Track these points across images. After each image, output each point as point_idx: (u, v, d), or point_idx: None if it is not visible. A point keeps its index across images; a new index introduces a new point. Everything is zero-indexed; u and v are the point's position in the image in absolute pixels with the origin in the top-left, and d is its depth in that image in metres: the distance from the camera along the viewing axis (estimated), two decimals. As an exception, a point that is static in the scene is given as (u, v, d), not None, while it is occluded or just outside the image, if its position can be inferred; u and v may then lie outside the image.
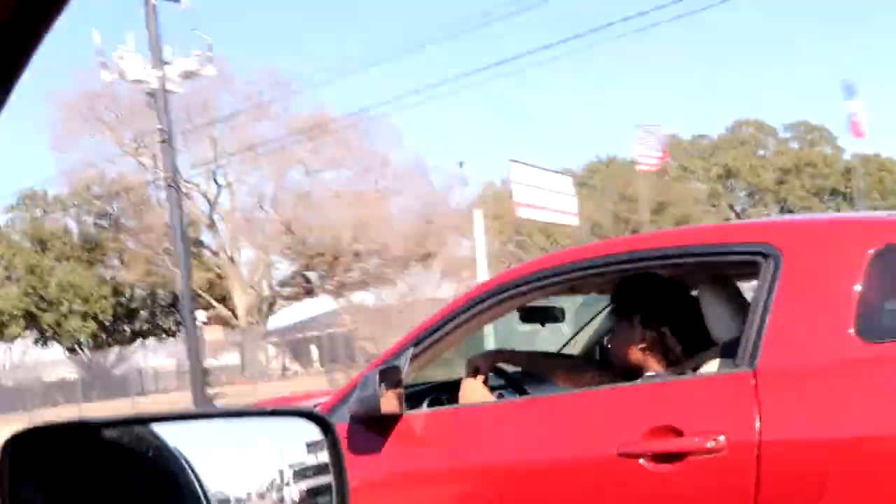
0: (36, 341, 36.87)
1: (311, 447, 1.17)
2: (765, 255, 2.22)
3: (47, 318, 34.82)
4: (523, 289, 2.57)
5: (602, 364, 2.94)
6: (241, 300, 31.08)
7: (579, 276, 2.56)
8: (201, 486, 1.01)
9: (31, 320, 34.92)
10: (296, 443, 1.17)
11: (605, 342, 3.00)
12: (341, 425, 2.63)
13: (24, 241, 35.79)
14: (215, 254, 32.61)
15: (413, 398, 2.94)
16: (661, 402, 2.21)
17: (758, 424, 2.01)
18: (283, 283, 33.15)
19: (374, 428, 2.57)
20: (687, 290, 2.67)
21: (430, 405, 2.86)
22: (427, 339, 2.66)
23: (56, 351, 37.75)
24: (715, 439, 2.04)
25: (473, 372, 2.88)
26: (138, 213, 32.22)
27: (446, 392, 3.05)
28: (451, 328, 2.64)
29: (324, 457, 1.17)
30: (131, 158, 30.01)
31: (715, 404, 2.14)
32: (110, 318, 36.32)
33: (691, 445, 2.07)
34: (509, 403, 2.65)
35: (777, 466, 1.98)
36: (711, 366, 2.41)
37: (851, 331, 2.03)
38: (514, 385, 3.16)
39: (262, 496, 1.09)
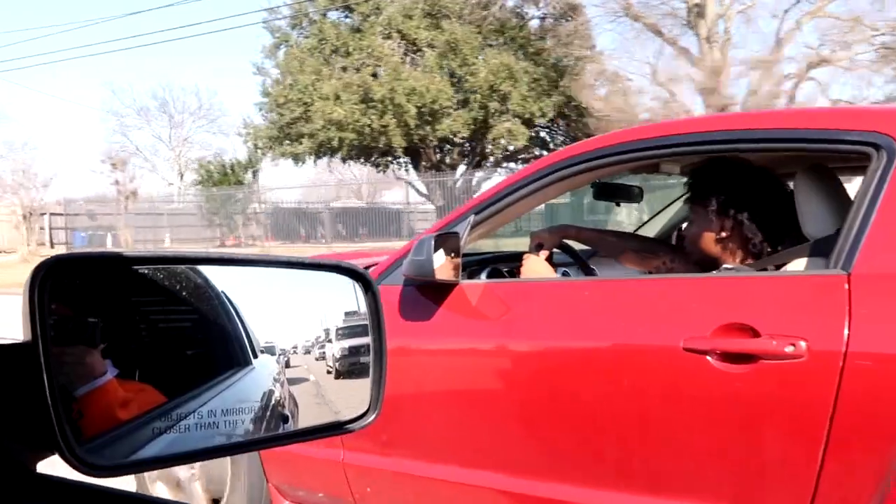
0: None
1: (355, 304, 1.15)
2: (877, 147, 1.94)
3: (465, 117, 24.21)
4: (594, 163, 2.34)
5: (677, 250, 2.72)
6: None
7: (659, 154, 2.29)
8: (247, 332, 0.99)
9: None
10: (339, 298, 1.15)
11: (682, 229, 2.77)
12: (393, 288, 2.51)
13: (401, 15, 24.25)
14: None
15: (472, 268, 2.80)
16: (738, 298, 2.00)
17: (846, 333, 1.80)
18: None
19: (427, 294, 2.44)
20: (774, 179, 2.40)
21: (489, 276, 2.72)
22: (489, 207, 2.48)
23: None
24: (794, 344, 1.84)
25: (537, 247, 2.71)
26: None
27: (506, 265, 2.90)
28: (515, 199, 2.45)
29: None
30: None
31: (799, 306, 1.92)
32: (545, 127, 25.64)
33: (767, 348, 1.88)
34: (572, 283, 2.47)
35: (861, 382, 1.77)
36: (798, 264, 2.17)
37: None
38: (580, 263, 2.99)
39: (307, 351, 1.06)
